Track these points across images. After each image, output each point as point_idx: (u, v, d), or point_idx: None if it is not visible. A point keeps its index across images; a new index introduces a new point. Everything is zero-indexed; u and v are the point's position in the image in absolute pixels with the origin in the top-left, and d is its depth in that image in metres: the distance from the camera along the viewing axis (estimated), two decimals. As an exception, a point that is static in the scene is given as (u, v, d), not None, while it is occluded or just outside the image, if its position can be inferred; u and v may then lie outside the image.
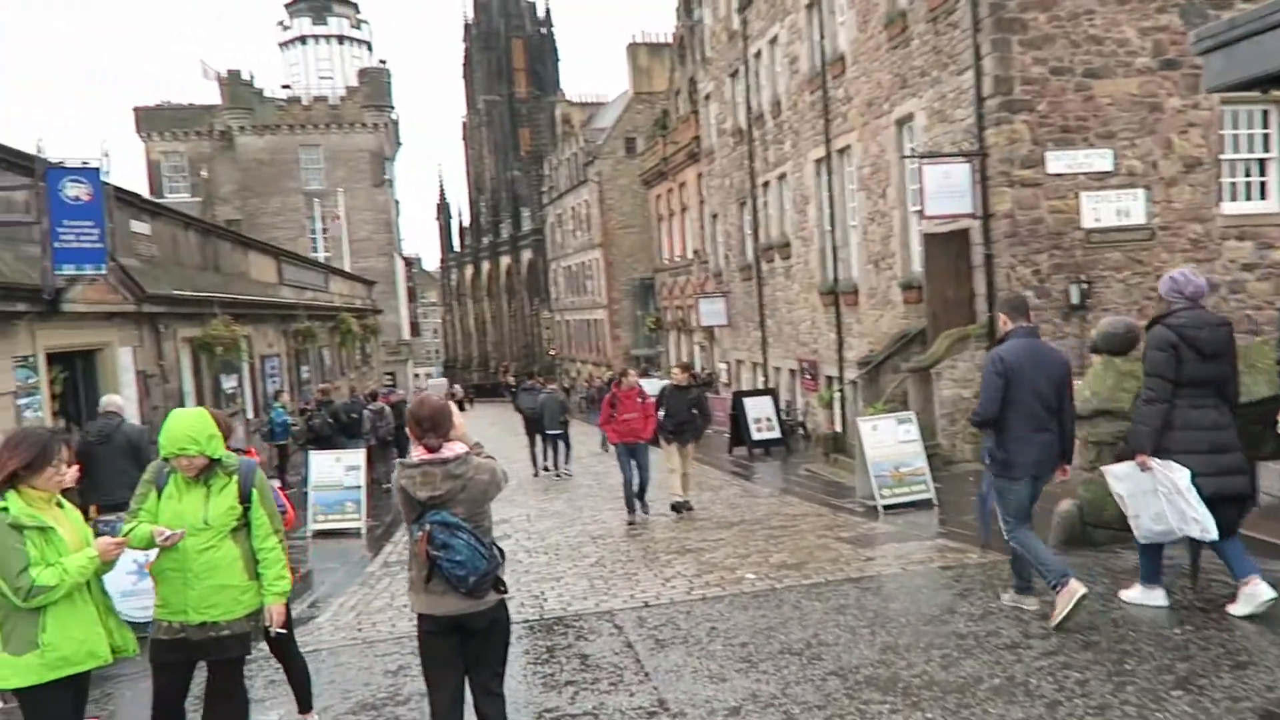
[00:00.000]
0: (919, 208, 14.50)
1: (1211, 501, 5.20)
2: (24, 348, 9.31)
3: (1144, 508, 5.46)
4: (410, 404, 4.21)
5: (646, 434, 11.18)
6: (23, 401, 9.09)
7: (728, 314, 28.20)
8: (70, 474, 4.04)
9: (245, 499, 4.33)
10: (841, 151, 19.14)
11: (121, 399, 9.08)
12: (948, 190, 13.50)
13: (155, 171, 53.20)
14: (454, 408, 4.15)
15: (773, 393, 21.09)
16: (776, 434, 19.58)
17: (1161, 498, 5.31)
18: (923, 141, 15.35)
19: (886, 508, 10.42)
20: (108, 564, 3.97)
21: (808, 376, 21.55)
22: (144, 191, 52.77)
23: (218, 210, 50.45)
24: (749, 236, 25.90)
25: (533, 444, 18.14)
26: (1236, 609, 5.40)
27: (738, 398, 20.41)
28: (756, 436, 19.37)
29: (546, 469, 17.64)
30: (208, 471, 4.29)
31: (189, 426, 4.25)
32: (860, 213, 18.43)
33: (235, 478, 4.33)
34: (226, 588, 4.22)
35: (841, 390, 19.22)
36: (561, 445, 17.44)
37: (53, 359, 10.15)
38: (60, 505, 3.99)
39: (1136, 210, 13.28)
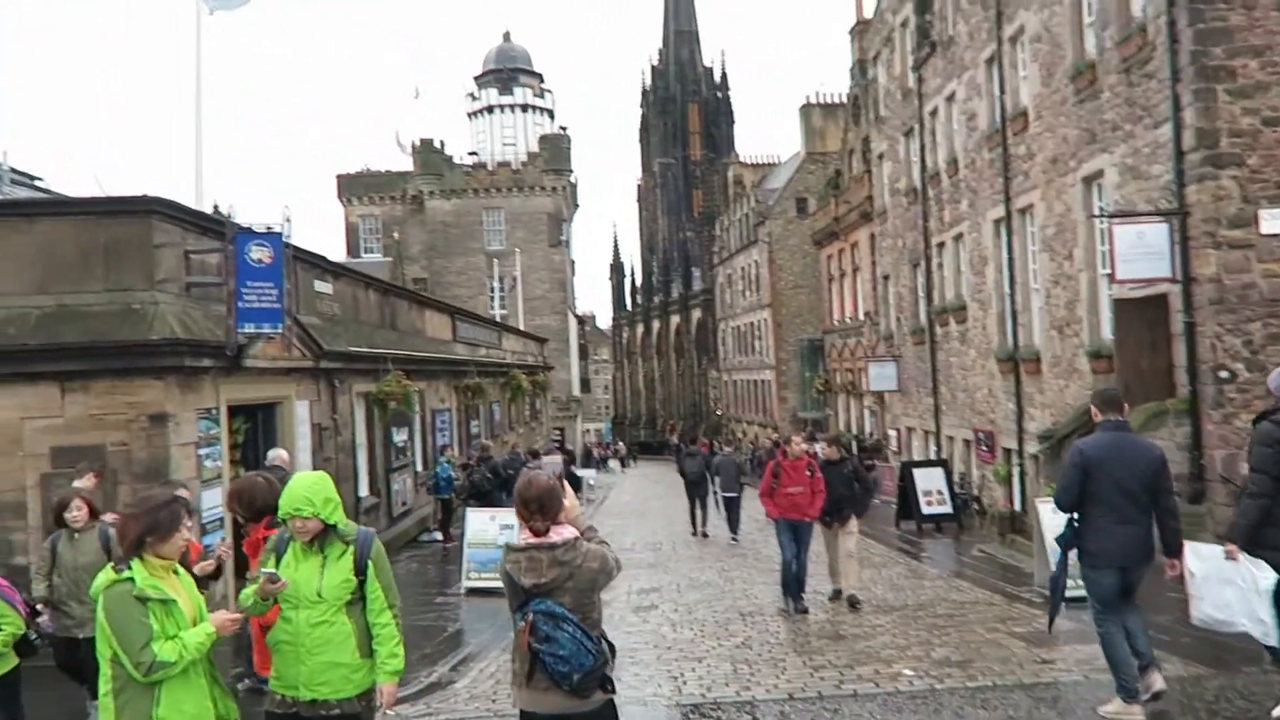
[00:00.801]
0: (1109, 271, 13.40)
1: None
2: (208, 400, 9.87)
3: (1211, 593, 5.43)
4: (518, 483, 3.92)
5: (813, 511, 10.04)
6: (204, 451, 9.61)
7: (898, 379, 27.11)
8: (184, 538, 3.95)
9: (361, 571, 4.19)
10: (1023, 211, 18.11)
11: (286, 454, 9.46)
12: (1142, 252, 12.41)
13: (353, 232, 57.19)
14: (568, 488, 3.95)
15: (945, 464, 19.96)
16: (948, 508, 18.45)
17: (1236, 590, 5.28)
18: (1113, 200, 14.25)
19: (1068, 600, 9.35)
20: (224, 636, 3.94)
21: (984, 448, 20.27)
22: (342, 251, 56.83)
23: (406, 269, 53.45)
24: (922, 299, 24.91)
25: (693, 506, 18.27)
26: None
27: (907, 468, 19.41)
28: (926, 510, 18.31)
29: (706, 534, 17.65)
30: (324, 539, 4.19)
31: (306, 488, 4.18)
32: (1043, 275, 17.30)
33: (352, 548, 4.21)
34: (338, 665, 4.09)
35: (1020, 465, 17.91)
36: (731, 509, 17.16)
37: (234, 411, 10.74)
38: (176, 572, 3.99)
39: (1371, 274, 11.75)
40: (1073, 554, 7.82)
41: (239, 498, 5.72)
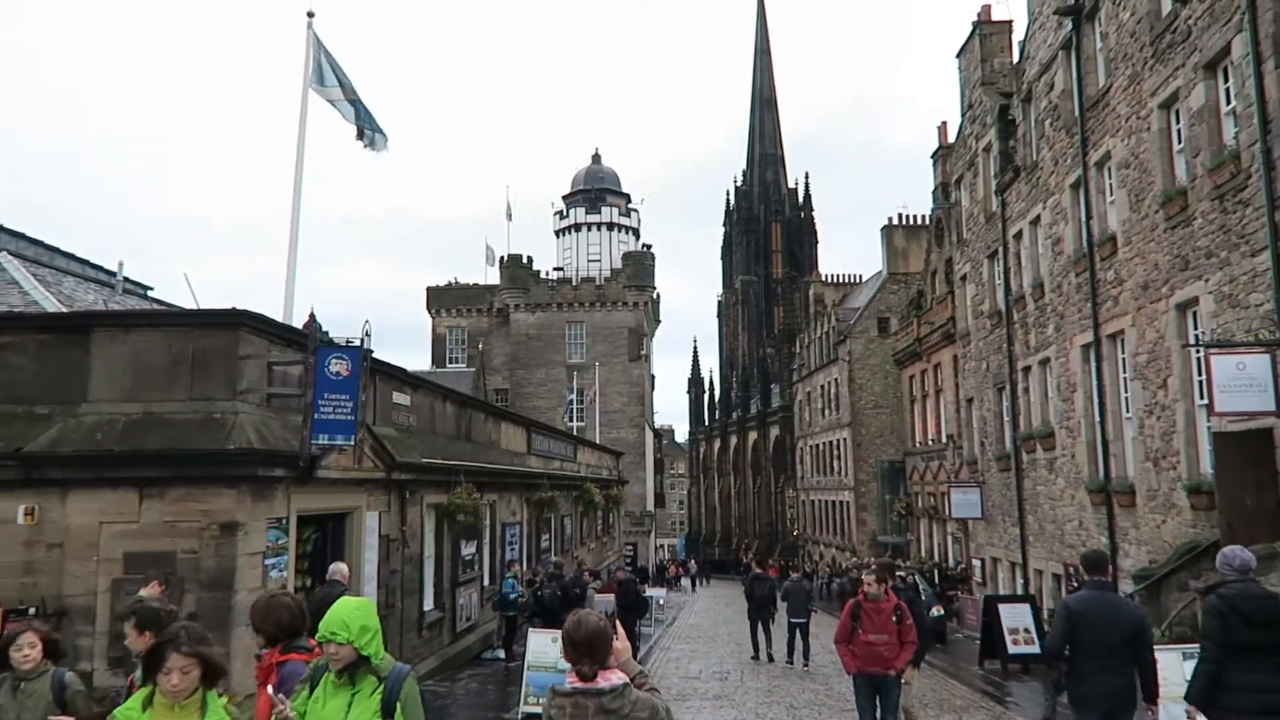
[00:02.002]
0: (1207, 402, 12.77)
1: None
2: (279, 510, 9.95)
3: None
4: (566, 622, 3.75)
5: (899, 663, 8.64)
6: (270, 561, 9.64)
7: (983, 506, 26.10)
8: (177, 680, 3.59)
9: (389, 712, 3.93)
10: (1113, 337, 17.56)
11: (347, 568, 9.41)
12: (1242, 384, 11.81)
13: (440, 343, 58.74)
14: (620, 630, 3.78)
15: (1033, 600, 18.85)
16: (1036, 648, 17.31)
17: None
18: (1210, 329, 13.70)
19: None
20: None
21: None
22: (428, 361, 58.29)
23: (489, 380, 54.49)
24: (1008, 423, 24.16)
25: (754, 630, 18.36)
26: None
27: (992, 603, 18.38)
28: (1013, 650, 17.21)
29: (771, 657, 17.70)
30: (355, 670, 3.98)
31: (347, 613, 4.00)
32: (1136, 404, 16.61)
33: (383, 686, 3.98)
34: None
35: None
36: (800, 635, 17.23)
37: (304, 521, 10.81)
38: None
39: None
40: (1167, 711, 8.43)
41: (265, 615, 5.06)
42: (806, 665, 16.82)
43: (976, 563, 27.01)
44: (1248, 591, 6.00)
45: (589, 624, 3.67)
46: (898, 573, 19.30)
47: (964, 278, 28.41)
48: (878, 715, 8.67)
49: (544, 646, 11.93)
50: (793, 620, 17.39)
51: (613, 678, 3.58)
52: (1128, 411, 17.24)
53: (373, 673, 4.00)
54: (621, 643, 3.73)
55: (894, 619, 8.66)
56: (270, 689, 4.19)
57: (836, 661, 19.43)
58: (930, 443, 35.32)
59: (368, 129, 14.58)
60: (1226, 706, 5.82)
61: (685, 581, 53.15)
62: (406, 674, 4.09)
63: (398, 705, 3.96)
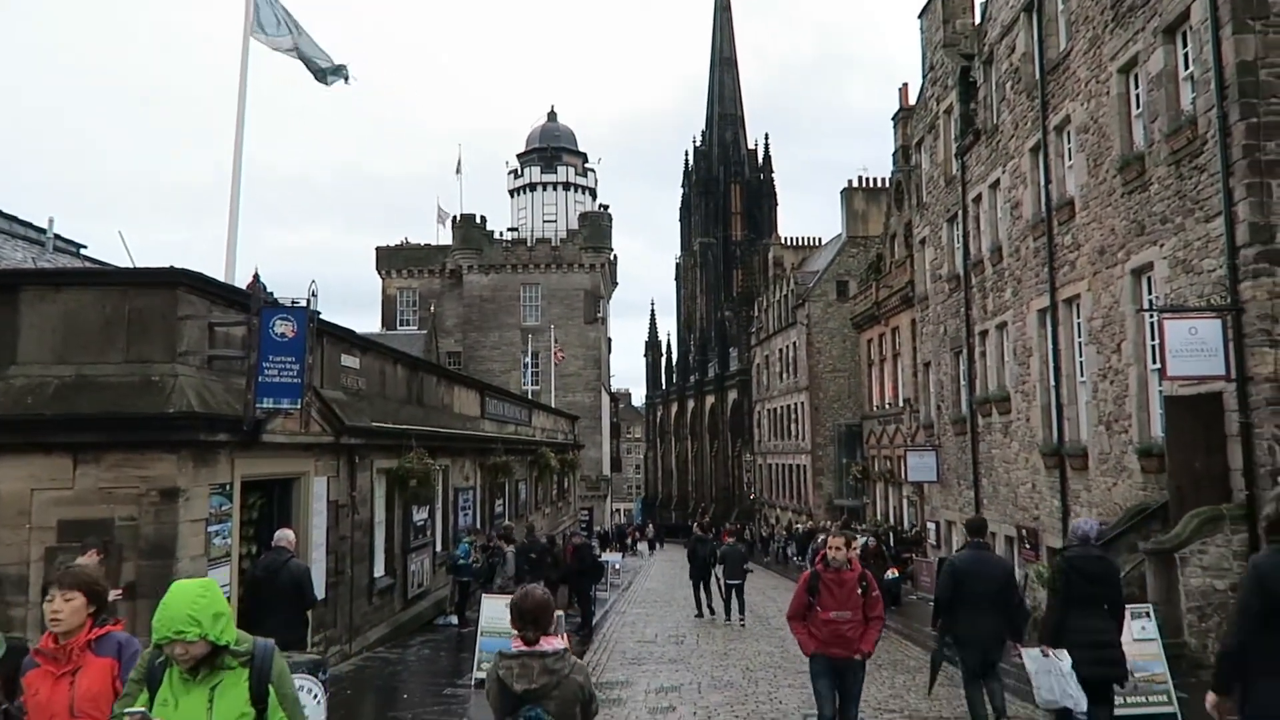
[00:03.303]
0: (1160, 366, 13.04)
1: (1089, 681, 7.54)
2: (222, 475, 9.78)
3: (1042, 682, 7.68)
4: (515, 594, 4.22)
5: (866, 645, 7.47)
6: (213, 528, 9.48)
7: (938, 469, 26.53)
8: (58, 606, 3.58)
9: (260, 699, 3.43)
10: (1069, 301, 17.82)
11: (293, 535, 9.29)
12: (1194, 349, 12.07)
13: (390, 305, 58.03)
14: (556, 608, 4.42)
15: (987, 562, 19.25)
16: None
17: (1055, 677, 7.58)
18: (1164, 293, 13.95)
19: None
20: None
21: (1027, 546, 19.61)
22: (378, 323, 57.61)
23: (441, 342, 54.02)
24: (964, 387, 24.51)
25: (696, 589, 19.78)
26: None
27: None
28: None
29: (713, 611, 19.23)
30: (211, 663, 3.40)
31: (189, 603, 3.36)
32: (1090, 368, 16.92)
33: (249, 670, 3.45)
34: None
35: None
36: (735, 595, 18.56)
37: (249, 487, 10.64)
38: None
39: None
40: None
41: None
42: (742, 621, 18.10)
43: (931, 526, 27.51)
44: (1086, 554, 7.78)
45: (535, 596, 4.15)
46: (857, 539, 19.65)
47: (923, 241, 28.60)
48: (837, 705, 7.46)
49: (498, 612, 11.91)
50: (728, 582, 18.62)
51: (555, 642, 4.06)
52: (1082, 376, 17.56)
53: (233, 658, 3.46)
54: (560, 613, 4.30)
55: (859, 591, 7.46)
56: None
57: (783, 612, 19.86)
58: (887, 406, 35.75)
59: (327, 69, 14.18)
60: (1069, 643, 7.58)
61: (642, 546, 53.60)
62: (272, 650, 3.59)
63: (270, 689, 3.48)
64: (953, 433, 25.45)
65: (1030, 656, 7.80)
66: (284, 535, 8.92)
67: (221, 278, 11.71)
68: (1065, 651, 7.54)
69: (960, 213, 24.24)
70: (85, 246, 20.01)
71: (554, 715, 3.92)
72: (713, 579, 19.66)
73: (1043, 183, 18.80)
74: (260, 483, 10.98)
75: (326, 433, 12.24)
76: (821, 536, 23.49)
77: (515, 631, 4.06)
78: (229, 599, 9.62)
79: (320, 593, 11.13)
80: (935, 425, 27.57)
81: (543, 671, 3.97)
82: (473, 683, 11.34)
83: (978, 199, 23.06)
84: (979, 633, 8.11)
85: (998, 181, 21.59)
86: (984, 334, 22.82)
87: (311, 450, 12.00)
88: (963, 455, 24.50)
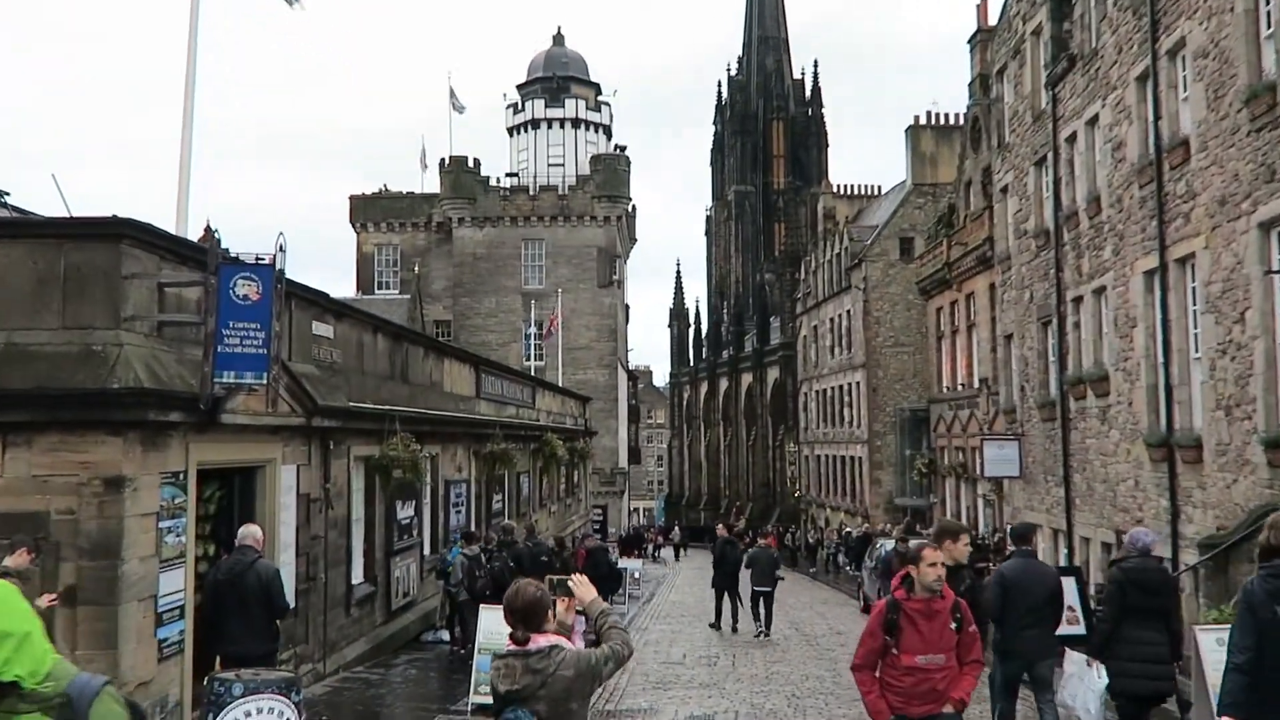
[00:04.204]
0: (1291, 340, 12.92)
1: (1139, 695, 8.60)
2: (175, 462, 9.90)
3: (1069, 685, 8.99)
4: (507, 592, 4.78)
5: (959, 691, 6.67)
6: (165, 524, 9.61)
7: (1021, 462, 26.48)
8: None
9: None
10: (1181, 261, 17.67)
11: (261, 532, 9.41)
12: (1335, 318, 11.95)
13: (366, 264, 58.24)
14: (560, 603, 4.96)
15: (1079, 572, 19.19)
16: (1081, 629, 17.65)
17: (1082, 687, 8.84)
18: (1298, 252, 13.82)
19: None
20: None
21: (1118, 555, 19.57)
22: (353, 286, 57.91)
23: (427, 309, 54.31)
24: (1053, 365, 24.41)
25: (719, 599, 20.58)
26: None
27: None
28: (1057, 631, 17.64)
29: (735, 629, 19.92)
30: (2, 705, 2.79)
31: None
32: (1207, 342, 16.79)
33: (54, 714, 2.79)
34: None
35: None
36: (764, 604, 19.41)
37: (206, 476, 10.77)
38: None
39: None
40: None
41: None
42: (767, 634, 19.01)
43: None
44: (1145, 566, 8.85)
45: (526, 594, 4.66)
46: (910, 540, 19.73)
47: (1005, 189, 28.38)
48: None
49: (497, 626, 11.99)
50: (756, 589, 19.55)
51: (541, 640, 4.53)
52: (1196, 351, 17.43)
53: (29, 703, 2.78)
54: (583, 589, 5.00)
55: (953, 626, 6.62)
56: None
57: (843, 635, 20.09)
58: (960, 388, 35.64)
59: None
60: (1122, 656, 8.53)
61: (666, 552, 53.87)
62: (97, 690, 2.89)
63: None
64: (1039, 419, 25.37)
65: (1073, 660, 9.09)
66: (249, 533, 9.02)
67: (173, 230, 11.80)
68: (1105, 669, 8.67)
69: (1050, 155, 24.04)
70: (8, 194, 20.19)
71: (544, 715, 4.42)
72: (738, 588, 20.43)
73: (1151, 118, 18.60)
74: (219, 471, 11.10)
75: (296, 413, 12.35)
76: (891, 543, 23.64)
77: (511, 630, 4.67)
78: (183, 607, 9.78)
79: (289, 602, 11.27)
80: (1018, 410, 27.48)
81: (525, 672, 4.45)
82: (469, 708, 11.48)
83: (1072, 138, 22.86)
84: (1024, 646, 9.06)
85: (1096, 117, 21.38)
86: (1078, 301, 22.68)
87: (279, 434, 12.12)
88: (1051, 446, 24.42)
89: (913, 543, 7.37)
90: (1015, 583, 9.15)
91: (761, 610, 19.42)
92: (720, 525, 25.45)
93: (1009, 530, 9.77)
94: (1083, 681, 8.68)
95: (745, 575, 20.19)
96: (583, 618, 5.23)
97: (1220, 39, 16.17)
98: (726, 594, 20.43)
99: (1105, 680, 8.56)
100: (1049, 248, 24.31)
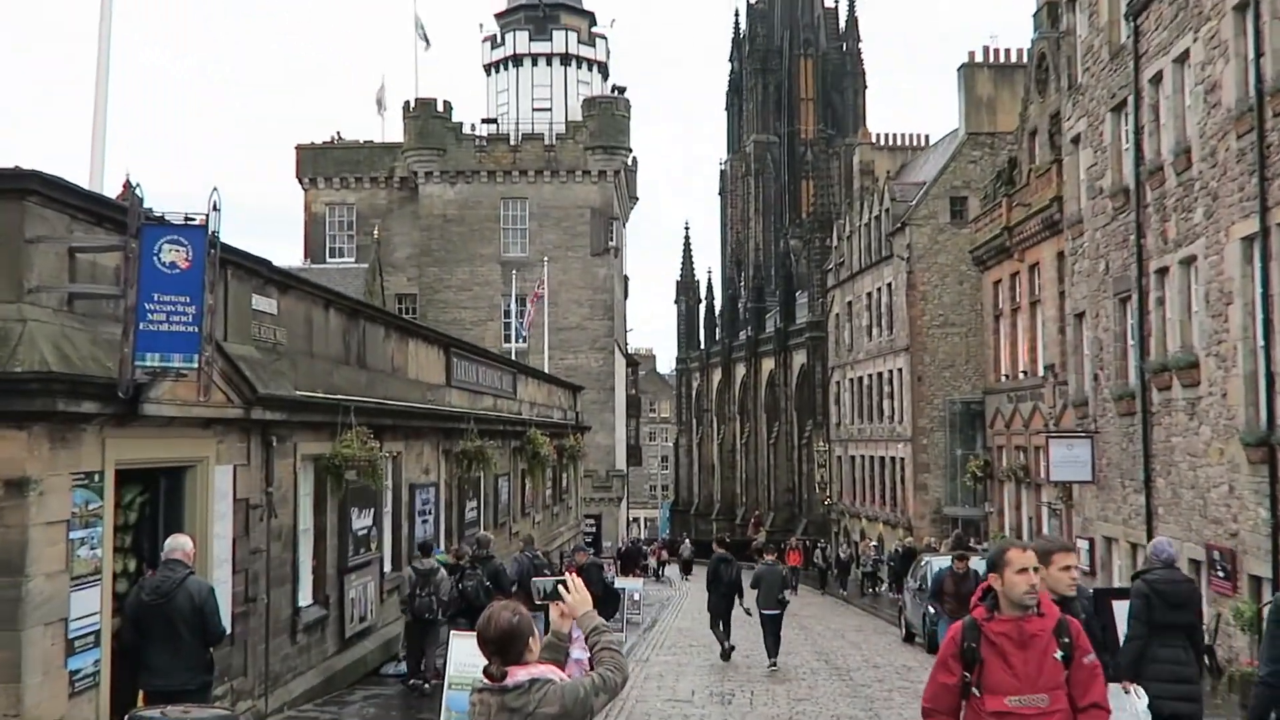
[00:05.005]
0: None
1: (1164, 717, 8.97)
2: (90, 461, 9.89)
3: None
4: (480, 618, 4.83)
5: None
6: (78, 534, 9.61)
7: (1093, 465, 26.50)
8: None
9: None
10: (1286, 226, 17.67)
11: (192, 544, 9.42)
12: None
13: (317, 227, 58.17)
14: (577, 582, 5.15)
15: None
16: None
17: (1126, 716, 8.62)
18: None
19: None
20: None
21: (1219, 574, 19.63)
22: (300, 253, 57.90)
23: (388, 280, 54.31)
24: (1132, 349, 24.40)
25: (715, 625, 21.18)
26: None
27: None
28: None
29: (732, 648, 20.79)
30: None
31: None
32: (1316, 322, 16.81)
33: None
34: None
35: (1275, 604, 17.26)
36: (771, 631, 19.89)
37: (128, 478, 10.77)
38: None
39: None
40: None
41: None
42: (774, 665, 19.60)
43: (1084, 544, 27.54)
44: (1171, 578, 9.59)
45: (500, 621, 4.68)
46: (970, 557, 19.81)
47: (1076, 140, 28.34)
48: None
49: (472, 656, 12.01)
50: (765, 612, 20.07)
51: (520, 674, 4.59)
52: (1303, 332, 17.46)
53: None
54: (576, 597, 5.02)
55: (1058, 655, 5.83)
56: None
57: (880, 669, 20.17)
58: (1021, 376, 35.63)
59: None
60: (1151, 676, 9.06)
61: (671, 570, 53.99)
62: None
63: None
64: (1115, 413, 25.37)
65: (1111, 692, 8.68)
66: (178, 545, 9.04)
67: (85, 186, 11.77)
68: (1143, 690, 8.87)
69: (1131, 98, 23.98)
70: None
71: None
72: (737, 610, 21.21)
73: (1251, 55, 18.56)
74: (142, 472, 11.10)
75: (233, 404, 12.34)
76: (939, 560, 23.69)
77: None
78: (99, 632, 9.79)
79: (224, 627, 11.31)
80: (1090, 403, 27.50)
81: (501, 710, 4.55)
82: (437, 754, 11.52)
83: (1156, 79, 22.81)
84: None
85: (1186, 54, 21.33)
86: (1163, 272, 22.67)
87: (212, 428, 12.12)
88: (1129, 445, 24.43)
89: (995, 541, 7.07)
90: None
91: (769, 639, 19.93)
92: (715, 541, 25.80)
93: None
94: (1124, 710, 8.65)
95: (752, 596, 20.80)
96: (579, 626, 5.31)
97: (1335, -40, 16.13)
98: (722, 621, 21.07)
99: (1145, 700, 8.82)
100: (1128, 209, 24.27)
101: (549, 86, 59.05)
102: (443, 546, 20.09)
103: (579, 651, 5.69)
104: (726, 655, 20.61)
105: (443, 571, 16.50)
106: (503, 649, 4.64)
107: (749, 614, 21.15)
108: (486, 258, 55.78)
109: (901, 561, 35.31)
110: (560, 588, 5.12)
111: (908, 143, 63.39)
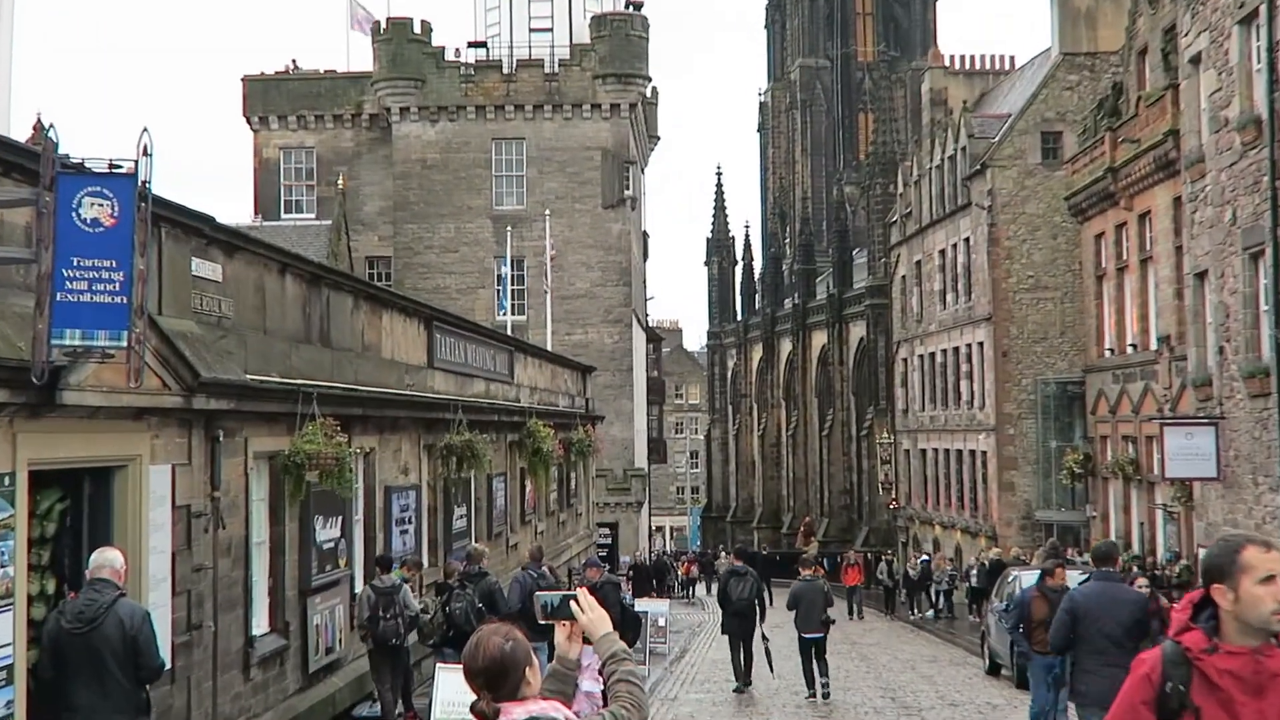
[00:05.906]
0: None
1: None
2: (-1, 461, 9.95)
3: None
4: (466, 646, 4.73)
5: None
6: (-16, 549, 9.67)
7: (1218, 458, 26.40)
8: None
9: None
10: None
11: (122, 559, 9.44)
12: None
13: (269, 175, 58.02)
14: (559, 629, 5.00)
15: None
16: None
17: None
18: None
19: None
20: None
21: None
22: (250, 207, 57.89)
23: (356, 240, 54.32)
24: (1266, 315, 24.27)
25: (735, 651, 21.43)
26: None
27: None
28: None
29: (750, 683, 21.29)
30: None
31: None
32: None
33: None
34: None
35: None
36: (816, 657, 20.39)
37: (45, 481, 10.81)
38: None
39: None
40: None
41: None
42: (827, 697, 20.14)
43: (1200, 553, 27.52)
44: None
45: (490, 648, 4.55)
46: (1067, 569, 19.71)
47: (1196, 60, 28.17)
48: None
49: (460, 693, 12.09)
50: (805, 636, 20.54)
51: (516, 712, 4.46)
52: None
53: None
54: (591, 615, 4.89)
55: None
56: None
57: (958, 709, 20.18)
58: (1129, 350, 35.52)
59: None
60: None
61: (701, 589, 54.03)
62: None
63: None
64: (1246, 395, 25.27)
65: None
66: (106, 560, 9.06)
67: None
68: None
69: (1264, 7, 23.82)
70: None
71: None
72: (758, 635, 21.54)
73: None
74: (62, 473, 11.14)
75: (170, 390, 12.37)
76: (1031, 576, 23.59)
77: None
78: (11, 666, 9.84)
79: (163, 660, 11.37)
80: (1214, 382, 27.39)
81: None
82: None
83: (1296, -16, 22.65)
84: (1098, 686, 10.05)
85: (1333, -48, 21.18)
86: (1303, 222, 22.55)
87: (146, 420, 12.16)
88: (1263, 434, 24.34)
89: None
90: (1087, 610, 10.65)
91: (815, 665, 20.43)
92: (730, 552, 25.83)
93: (1092, 551, 10.28)
94: None
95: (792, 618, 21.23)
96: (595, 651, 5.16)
97: None
98: (741, 644, 21.44)
99: None
100: (1261, 144, 24.12)
101: (549, 2, 58.77)
102: (426, 562, 20.10)
103: (589, 683, 5.67)
104: (740, 689, 21.16)
105: (406, 588, 16.60)
106: (494, 682, 4.52)
107: (765, 639, 21.62)
108: (475, 212, 55.66)
109: (985, 577, 35.30)
110: (572, 604, 4.98)
111: (988, 66, 63.12)
